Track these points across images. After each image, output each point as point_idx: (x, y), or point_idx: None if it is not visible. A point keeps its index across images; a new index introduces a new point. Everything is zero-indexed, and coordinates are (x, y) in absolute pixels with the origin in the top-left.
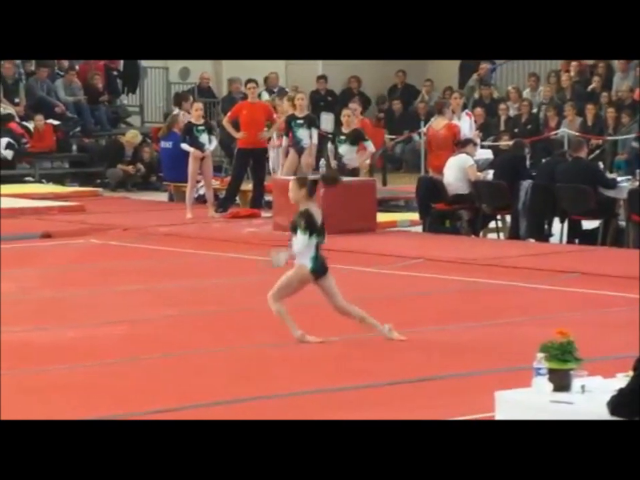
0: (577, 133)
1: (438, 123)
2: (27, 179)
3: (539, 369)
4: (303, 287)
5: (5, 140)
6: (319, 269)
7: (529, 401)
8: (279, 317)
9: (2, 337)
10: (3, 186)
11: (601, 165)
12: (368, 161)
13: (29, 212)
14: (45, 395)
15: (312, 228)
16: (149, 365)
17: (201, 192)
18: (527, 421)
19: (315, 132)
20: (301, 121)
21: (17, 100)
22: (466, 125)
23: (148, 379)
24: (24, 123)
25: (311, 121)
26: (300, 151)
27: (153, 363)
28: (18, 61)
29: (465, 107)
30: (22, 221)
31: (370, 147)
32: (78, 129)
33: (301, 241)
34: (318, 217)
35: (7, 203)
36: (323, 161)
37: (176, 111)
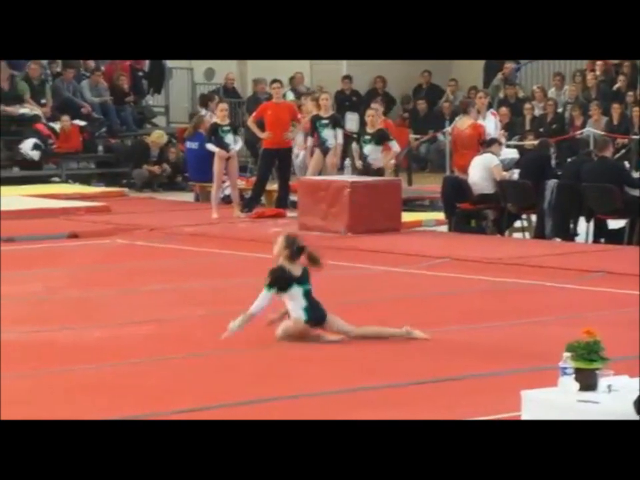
0: (603, 132)
1: (463, 123)
2: (53, 179)
3: (565, 368)
4: (307, 336)
5: (32, 141)
6: (315, 318)
7: (555, 401)
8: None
9: (28, 337)
10: (30, 186)
11: (626, 164)
12: (393, 161)
13: (55, 212)
14: (71, 395)
15: (274, 284)
16: (174, 364)
17: (227, 192)
18: (553, 420)
19: (339, 132)
20: (325, 121)
21: (43, 101)
22: (491, 124)
23: (174, 378)
24: (50, 123)
25: (336, 121)
26: (325, 151)
27: (179, 362)
28: (44, 62)
29: (490, 106)
30: (49, 221)
31: (395, 146)
32: (104, 129)
33: (260, 297)
34: (295, 272)
35: (34, 204)
36: (348, 161)
37: (202, 111)
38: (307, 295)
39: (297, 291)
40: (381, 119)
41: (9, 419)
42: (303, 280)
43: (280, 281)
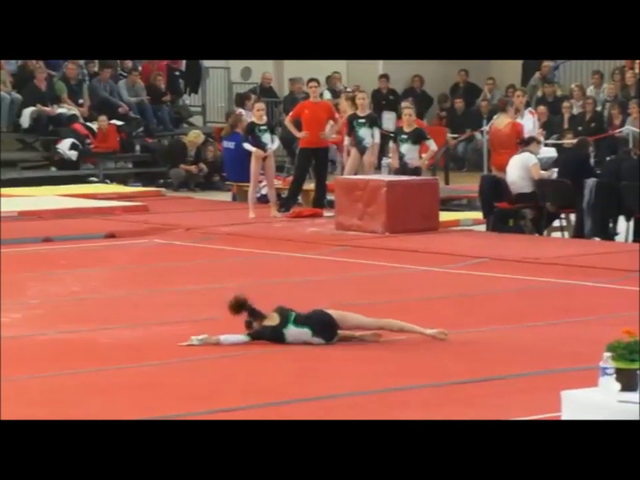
0: None
1: (501, 121)
2: (90, 179)
3: (606, 368)
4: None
5: (69, 140)
6: (327, 334)
7: (595, 401)
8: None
9: (66, 337)
10: (67, 186)
11: None
12: (426, 162)
13: (93, 212)
14: (109, 395)
15: (259, 338)
16: (211, 364)
17: (264, 192)
18: (593, 420)
19: (377, 131)
20: (362, 120)
21: (80, 101)
22: (529, 122)
23: (211, 378)
24: (88, 123)
25: (373, 120)
26: (362, 150)
27: (215, 363)
28: (82, 62)
29: (528, 105)
30: (86, 221)
31: (432, 145)
32: (141, 129)
33: (237, 337)
34: (273, 321)
35: (71, 203)
36: (385, 160)
37: (239, 110)
38: (300, 322)
39: (291, 331)
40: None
41: (46, 419)
42: (285, 319)
43: (269, 338)
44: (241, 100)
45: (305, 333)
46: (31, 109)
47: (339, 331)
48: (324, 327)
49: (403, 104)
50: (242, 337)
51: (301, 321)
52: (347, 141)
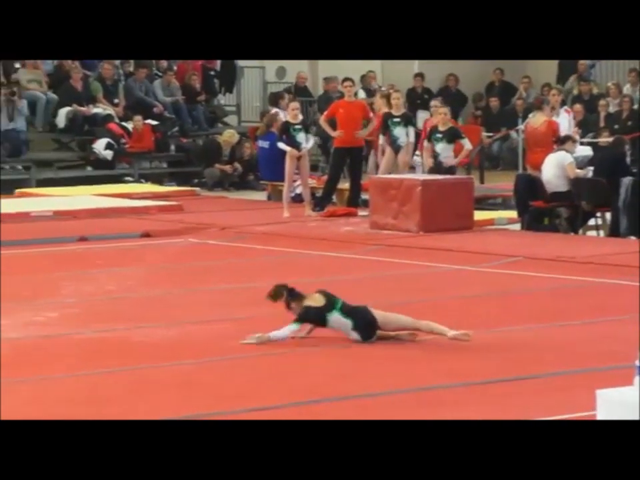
0: None
1: (537, 120)
2: (126, 178)
3: None
4: (384, 337)
5: (105, 140)
6: (367, 332)
7: (631, 400)
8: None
9: (101, 336)
10: (102, 186)
11: None
12: (457, 160)
13: (128, 211)
14: (144, 393)
15: (305, 321)
16: (248, 363)
17: (298, 191)
18: (629, 421)
19: (411, 130)
20: (397, 119)
21: (116, 101)
22: (565, 121)
23: (246, 377)
24: (123, 123)
25: (408, 119)
26: (397, 149)
27: (253, 361)
28: (117, 62)
29: (563, 103)
30: (121, 221)
31: (467, 144)
32: (176, 129)
33: (286, 329)
34: (318, 302)
35: (107, 203)
36: (419, 159)
37: (275, 110)
38: (345, 312)
39: (335, 318)
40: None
41: (83, 419)
42: (331, 304)
43: (312, 319)
44: (275, 99)
45: (347, 324)
46: (67, 108)
47: (378, 332)
48: (366, 326)
49: (433, 102)
50: (290, 327)
51: (346, 310)
52: (381, 140)
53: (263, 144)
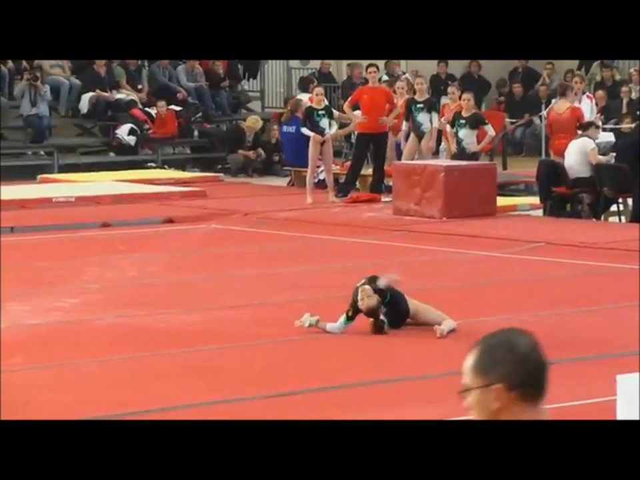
0: None
1: (560, 106)
2: (149, 164)
3: None
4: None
5: (128, 126)
6: (395, 323)
7: None
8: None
9: (123, 321)
10: (125, 171)
11: None
12: (480, 146)
13: (151, 197)
14: (169, 378)
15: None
16: (270, 348)
17: (321, 177)
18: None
19: (435, 116)
20: (421, 105)
21: (139, 86)
22: (587, 107)
23: (272, 362)
24: (146, 109)
25: (431, 105)
26: (420, 135)
27: (275, 347)
28: None
29: (586, 89)
30: (145, 206)
31: (490, 130)
32: (199, 114)
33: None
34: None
35: (130, 189)
36: (443, 145)
37: (299, 95)
38: (388, 303)
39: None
40: (456, 103)
41: (103, 405)
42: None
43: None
44: (306, 84)
45: (382, 310)
46: (90, 94)
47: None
48: (397, 316)
49: (450, 89)
50: (345, 322)
51: (390, 302)
52: (404, 125)
53: (288, 129)
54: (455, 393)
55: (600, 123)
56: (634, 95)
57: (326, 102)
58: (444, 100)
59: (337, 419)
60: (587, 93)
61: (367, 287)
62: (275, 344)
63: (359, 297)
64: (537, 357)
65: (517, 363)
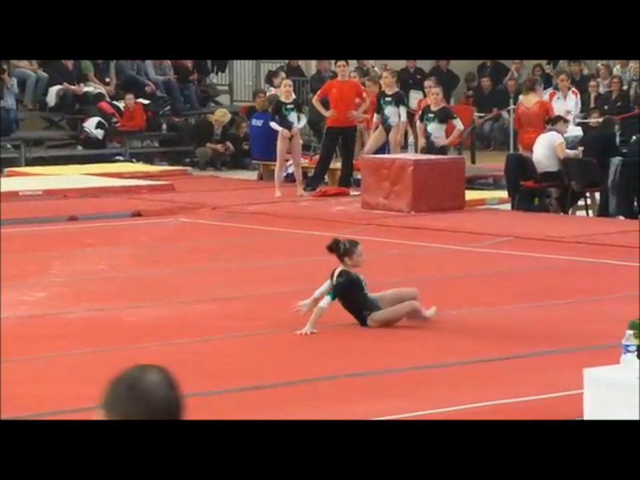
0: None
1: (529, 100)
2: (117, 157)
3: (628, 345)
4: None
5: (96, 119)
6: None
7: (617, 378)
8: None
9: (90, 315)
10: (93, 165)
11: None
12: (449, 140)
13: (119, 191)
14: None
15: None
16: (237, 342)
17: (290, 170)
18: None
19: (403, 109)
20: (389, 99)
21: (107, 79)
22: (572, 102)
23: (237, 356)
24: (114, 102)
25: (400, 99)
26: (387, 128)
27: (241, 340)
28: None
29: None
30: (112, 200)
31: (458, 124)
32: (168, 108)
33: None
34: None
35: (98, 182)
36: (411, 139)
37: (274, 90)
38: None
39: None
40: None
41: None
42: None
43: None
44: (270, 77)
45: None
46: (57, 87)
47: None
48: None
49: (427, 83)
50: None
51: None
52: (375, 118)
53: (256, 122)
54: (419, 386)
55: (570, 118)
56: (601, 90)
57: (294, 96)
58: (413, 94)
59: (305, 412)
60: (572, 89)
61: None
62: (243, 337)
63: None
64: (162, 394)
65: (136, 401)
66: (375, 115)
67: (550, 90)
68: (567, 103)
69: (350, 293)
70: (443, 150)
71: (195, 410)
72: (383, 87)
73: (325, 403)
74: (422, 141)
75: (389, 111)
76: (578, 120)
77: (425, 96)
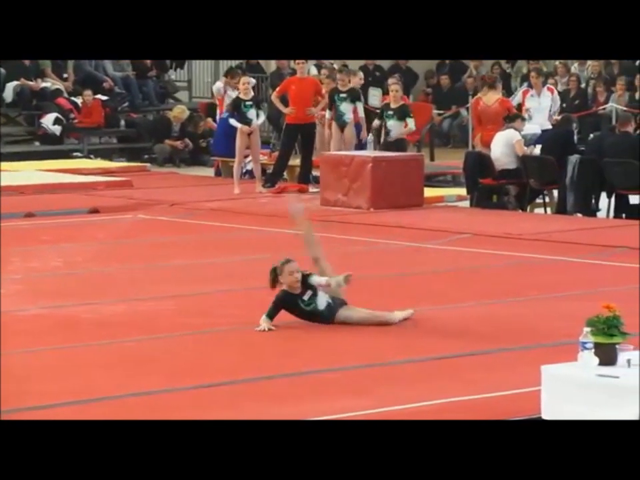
0: (625, 108)
1: (489, 98)
2: (74, 154)
3: (585, 343)
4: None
5: (53, 115)
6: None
7: (574, 375)
8: None
9: (47, 312)
10: (51, 161)
11: None
12: (400, 134)
13: (76, 187)
14: (92, 370)
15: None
16: (195, 340)
17: (249, 167)
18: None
19: (360, 106)
20: (344, 95)
21: (65, 75)
22: (547, 100)
23: (194, 354)
24: (72, 98)
25: (355, 95)
26: (342, 125)
27: (200, 338)
28: None
29: (545, 82)
30: (70, 196)
31: (411, 124)
32: (126, 104)
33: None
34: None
35: (55, 178)
36: (370, 137)
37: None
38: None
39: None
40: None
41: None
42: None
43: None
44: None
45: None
46: (14, 83)
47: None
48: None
49: (390, 80)
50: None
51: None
52: (328, 114)
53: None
54: (374, 384)
55: (527, 115)
56: (560, 88)
57: (252, 93)
58: (372, 91)
59: (259, 411)
60: (548, 85)
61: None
62: (200, 335)
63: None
64: None
65: None
66: (327, 111)
67: (524, 87)
68: (542, 101)
69: (292, 311)
70: (400, 143)
71: (150, 408)
72: (338, 84)
73: (279, 402)
74: (381, 138)
75: (344, 107)
76: (555, 117)
77: (384, 93)
